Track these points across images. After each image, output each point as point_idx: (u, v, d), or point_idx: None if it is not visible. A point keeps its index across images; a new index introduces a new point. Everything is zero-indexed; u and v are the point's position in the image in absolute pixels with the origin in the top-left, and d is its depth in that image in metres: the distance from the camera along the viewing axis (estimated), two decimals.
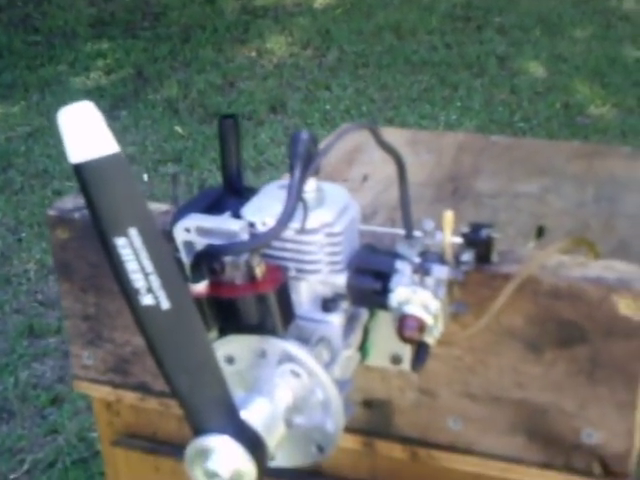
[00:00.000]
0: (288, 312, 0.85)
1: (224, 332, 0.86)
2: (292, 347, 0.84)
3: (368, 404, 1.03)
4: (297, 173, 0.82)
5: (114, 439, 1.18)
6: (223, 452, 0.77)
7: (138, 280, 0.70)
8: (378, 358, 0.98)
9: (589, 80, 4.34)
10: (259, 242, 0.81)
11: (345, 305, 0.91)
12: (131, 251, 0.69)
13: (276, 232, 0.80)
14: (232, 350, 0.86)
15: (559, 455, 0.98)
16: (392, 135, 1.82)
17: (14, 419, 2.56)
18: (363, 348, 0.97)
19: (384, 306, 0.88)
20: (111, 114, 4.27)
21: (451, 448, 1.01)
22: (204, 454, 0.77)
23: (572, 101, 4.17)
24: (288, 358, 0.84)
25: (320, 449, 0.88)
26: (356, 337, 0.93)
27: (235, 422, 0.78)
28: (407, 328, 0.86)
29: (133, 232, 0.69)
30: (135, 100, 4.44)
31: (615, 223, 1.47)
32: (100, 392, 1.16)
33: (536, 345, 0.94)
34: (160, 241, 0.71)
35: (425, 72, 4.60)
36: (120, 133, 4.09)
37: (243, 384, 0.87)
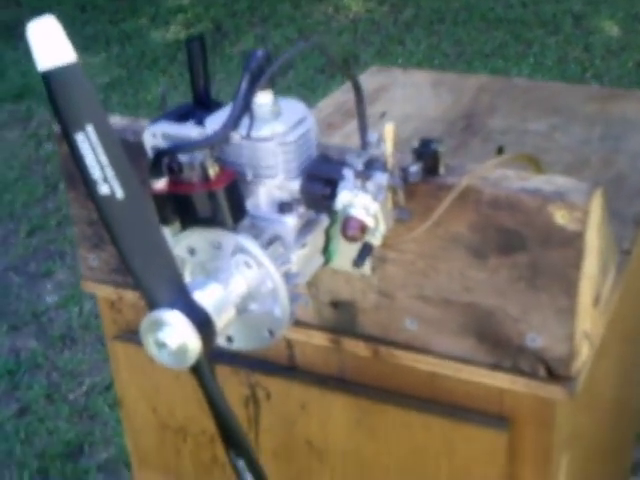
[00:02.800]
0: (238, 208, 0.94)
1: (185, 225, 0.96)
2: (243, 240, 0.94)
3: (335, 305, 1.12)
4: (243, 84, 0.91)
5: (116, 335, 1.30)
6: (172, 325, 0.87)
7: (95, 172, 0.81)
8: (341, 262, 1.07)
9: None
10: (202, 142, 0.91)
11: (301, 209, 0.99)
12: (88, 145, 0.80)
13: (219, 135, 0.90)
14: (193, 242, 0.96)
15: (506, 357, 1.06)
16: (418, 76, 1.90)
17: (76, 345, 2.74)
18: (326, 252, 1.06)
19: (332, 210, 0.97)
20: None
21: (409, 347, 1.10)
22: (156, 326, 0.87)
23: None
24: (240, 250, 0.94)
25: (271, 333, 0.98)
26: (314, 239, 1.02)
27: (186, 300, 0.88)
28: (349, 228, 0.95)
29: (89, 128, 0.80)
30: (212, 54, 4.57)
31: (615, 158, 1.52)
32: (104, 291, 1.28)
33: (480, 251, 1.01)
34: (114, 137, 0.81)
35: (500, 29, 4.61)
36: None
37: (205, 274, 0.97)
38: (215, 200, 0.92)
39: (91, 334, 2.76)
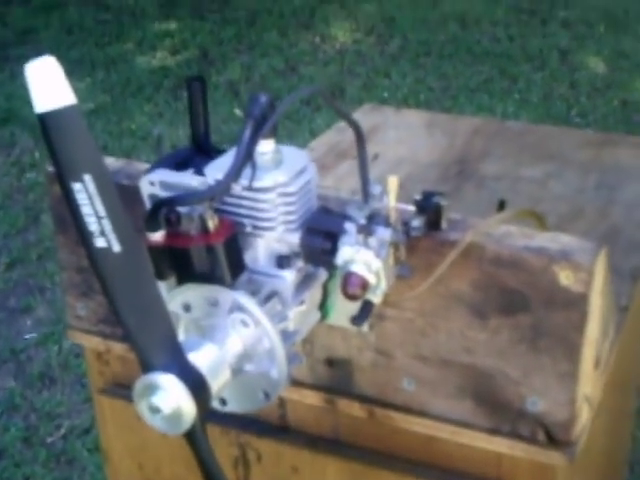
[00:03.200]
0: (237, 264, 0.91)
1: (181, 281, 0.93)
2: (241, 297, 0.90)
3: (330, 363, 1.08)
4: (247, 132, 0.88)
5: (103, 387, 1.26)
6: (166, 389, 0.83)
7: (92, 223, 0.78)
8: (338, 318, 1.04)
9: None
10: (204, 194, 0.88)
11: (300, 263, 0.96)
12: (86, 196, 0.76)
13: (220, 186, 0.87)
14: (188, 298, 0.93)
15: (505, 421, 1.03)
16: (411, 116, 1.88)
17: (55, 386, 2.67)
18: (323, 308, 1.03)
19: (332, 265, 0.94)
20: (174, 94, 4.39)
21: (405, 409, 1.06)
22: (150, 390, 0.84)
23: (630, 99, 4.14)
24: (237, 308, 0.91)
25: (266, 395, 0.94)
26: (312, 295, 0.99)
27: (180, 362, 0.85)
28: (350, 285, 0.92)
29: (87, 178, 0.76)
30: (187, 77, 4.53)
31: (611, 210, 1.50)
32: (91, 342, 1.24)
33: (481, 311, 0.99)
34: (112, 188, 0.78)
35: (486, 63, 4.61)
36: (182, 113, 4.20)
37: (199, 331, 0.94)
38: (214, 255, 0.89)
39: (70, 374, 2.70)
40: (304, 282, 0.98)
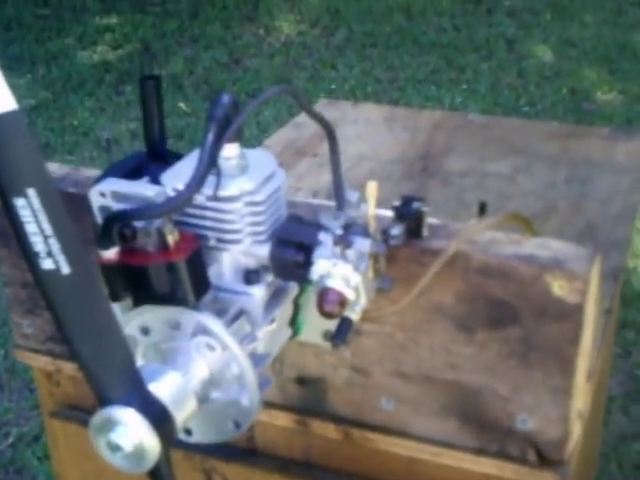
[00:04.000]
0: (201, 282, 0.82)
1: (138, 302, 0.83)
2: (205, 319, 0.81)
3: (302, 381, 1.00)
4: (210, 137, 0.79)
5: (54, 410, 1.16)
6: (126, 425, 0.74)
7: (38, 243, 0.68)
8: (310, 334, 0.96)
9: (597, 66, 4.28)
10: (164, 208, 0.78)
11: (269, 278, 0.88)
12: (30, 212, 0.67)
13: (182, 197, 0.78)
14: (147, 321, 0.84)
15: (493, 441, 0.96)
16: (369, 111, 1.80)
17: (2, 392, 2.55)
18: (294, 324, 0.94)
19: (306, 280, 0.85)
20: (116, 89, 4.26)
21: (384, 429, 0.98)
22: (108, 426, 0.75)
23: (579, 87, 4.11)
24: (202, 330, 0.82)
25: (237, 424, 0.86)
26: (282, 311, 0.90)
27: (141, 394, 0.76)
28: (327, 302, 0.84)
29: (31, 192, 0.67)
30: (141, 75, 4.41)
31: (584, 205, 1.43)
32: (40, 362, 1.14)
33: (467, 325, 0.91)
34: (59, 204, 0.69)
35: (433, 54, 4.55)
36: (124, 108, 4.08)
37: (160, 356, 0.85)
38: (175, 274, 0.80)
39: (18, 379, 2.58)
40: (274, 298, 0.90)
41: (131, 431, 0.74)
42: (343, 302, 0.84)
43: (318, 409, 1.00)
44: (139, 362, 0.86)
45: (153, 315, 0.83)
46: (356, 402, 0.99)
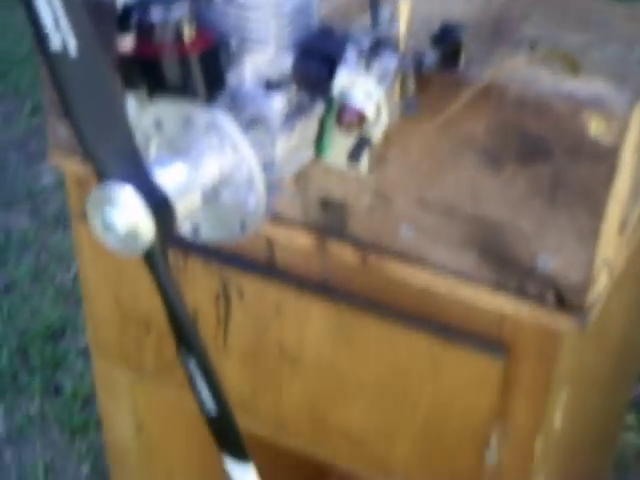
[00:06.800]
0: (215, 79, 0.79)
1: (152, 93, 0.81)
2: (218, 116, 0.79)
3: (324, 204, 0.98)
4: None
5: (82, 213, 1.17)
6: (123, 203, 0.73)
7: (48, 23, 0.67)
8: (335, 157, 0.92)
9: None
10: None
11: (292, 90, 0.84)
12: None
13: None
14: (160, 114, 0.81)
15: (512, 277, 0.93)
16: None
17: (68, 229, 2.55)
18: (319, 144, 0.91)
19: (329, 94, 0.82)
20: None
21: (402, 257, 0.96)
22: (103, 202, 0.73)
23: None
24: (214, 128, 0.80)
25: (243, 226, 0.84)
26: (304, 127, 0.87)
27: (142, 175, 0.74)
28: (345, 114, 0.81)
29: None
30: None
31: None
32: (72, 166, 1.13)
33: (496, 158, 0.87)
34: None
35: None
36: None
37: (173, 153, 0.83)
38: (187, 67, 0.77)
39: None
40: (296, 112, 0.86)
41: (126, 209, 0.72)
42: (362, 116, 0.81)
43: (338, 232, 0.98)
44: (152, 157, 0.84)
45: (167, 108, 0.81)
46: (376, 228, 0.96)
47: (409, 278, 0.97)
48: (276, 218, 1.00)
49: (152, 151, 0.84)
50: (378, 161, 0.92)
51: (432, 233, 0.94)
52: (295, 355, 1.09)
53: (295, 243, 1.01)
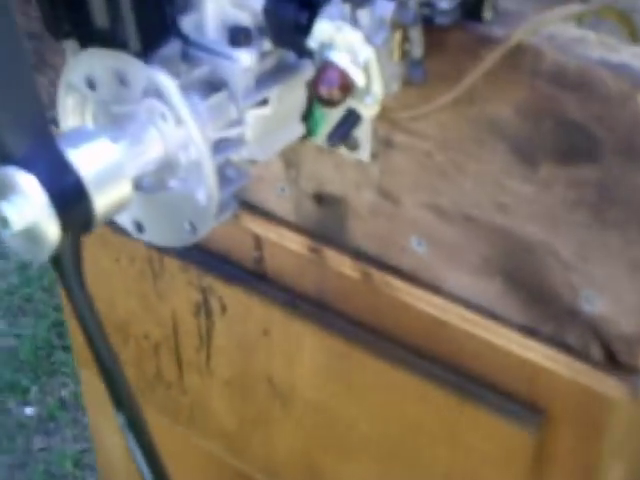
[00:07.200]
0: (152, 25, 0.61)
1: (82, 42, 0.64)
2: (156, 75, 0.61)
3: (319, 199, 0.79)
4: None
5: None
6: (20, 193, 0.56)
7: None
8: None
9: None
10: None
11: (266, 45, 0.66)
12: None
13: None
14: (92, 69, 0.64)
15: (546, 318, 0.71)
16: None
17: None
18: (310, 119, 0.72)
19: (305, 50, 0.63)
20: None
21: (410, 276, 0.76)
22: (2, 192, 0.57)
23: None
24: (154, 92, 0.62)
25: (193, 227, 0.66)
26: (286, 95, 0.68)
27: (50, 158, 0.57)
28: (323, 81, 0.61)
29: None
30: None
31: None
32: None
33: (527, 151, 0.66)
34: None
35: None
36: None
37: (109, 120, 0.66)
38: (116, 5, 0.59)
39: None
40: (273, 75, 0.67)
41: (24, 202, 0.56)
42: (346, 84, 0.61)
43: (336, 237, 0.79)
44: (88, 125, 0.67)
45: (98, 62, 0.64)
46: (380, 236, 0.76)
47: (419, 304, 0.77)
48: (265, 212, 0.82)
49: (87, 118, 0.67)
50: (382, 147, 0.72)
51: (448, 249, 0.73)
52: (286, 392, 0.89)
53: (286, 246, 0.82)
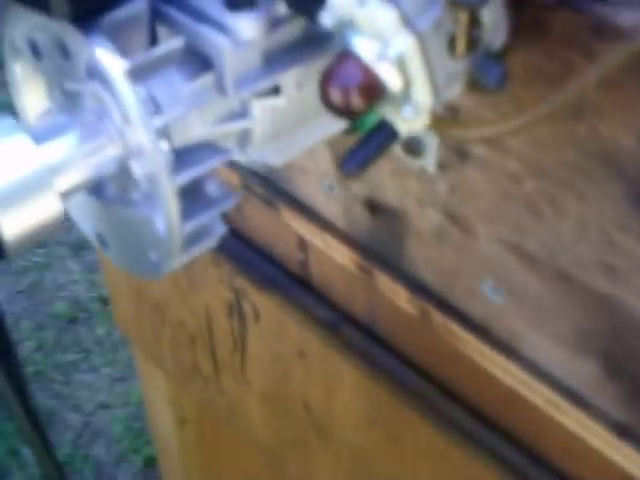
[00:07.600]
0: None
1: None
2: (97, 49, 0.42)
3: (372, 207, 0.58)
4: None
5: None
6: None
7: None
8: None
9: None
10: None
11: (282, 9, 0.45)
12: None
13: None
14: (32, 32, 0.46)
15: None
16: None
17: None
18: None
19: (317, 21, 0.42)
20: None
21: (481, 329, 0.55)
22: None
23: None
24: (97, 73, 0.43)
25: (160, 255, 0.48)
26: (304, 79, 0.48)
27: None
28: (336, 78, 0.41)
29: None
30: None
31: None
32: None
33: None
34: None
35: None
36: None
37: (66, 103, 0.48)
38: None
39: None
40: (289, 52, 0.47)
41: None
42: (371, 87, 0.40)
43: (391, 257, 0.59)
44: (44, 103, 0.50)
45: (34, 23, 0.45)
46: (446, 268, 0.56)
47: (488, 365, 0.56)
48: (310, 210, 0.62)
49: (42, 93, 0.49)
50: (454, 159, 0.51)
51: (532, 307, 0.52)
52: (324, 423, 0.71)
53: (332, 256, 0.63)
